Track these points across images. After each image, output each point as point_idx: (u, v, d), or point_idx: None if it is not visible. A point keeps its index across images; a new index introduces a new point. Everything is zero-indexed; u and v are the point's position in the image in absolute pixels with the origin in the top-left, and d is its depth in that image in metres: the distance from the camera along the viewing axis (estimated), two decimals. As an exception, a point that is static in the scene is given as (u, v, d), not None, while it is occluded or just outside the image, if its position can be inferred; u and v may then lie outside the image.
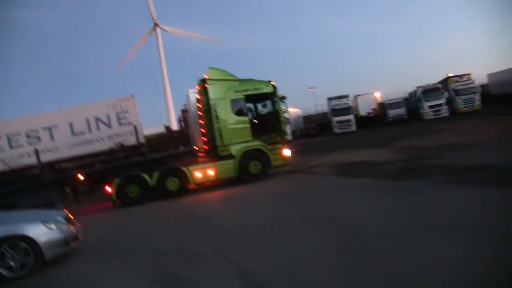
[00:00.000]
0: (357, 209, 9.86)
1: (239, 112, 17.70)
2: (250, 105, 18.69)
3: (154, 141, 18.19)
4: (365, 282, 5.58)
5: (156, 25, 56.31)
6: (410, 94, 49.98)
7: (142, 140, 18.19)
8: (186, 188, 17.19)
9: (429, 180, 11.32)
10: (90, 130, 18.52)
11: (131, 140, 18.18)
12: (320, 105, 70.71)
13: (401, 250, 6.49)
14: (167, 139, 18.38)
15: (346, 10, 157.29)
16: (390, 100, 48.76)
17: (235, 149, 17.51)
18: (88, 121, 18.47)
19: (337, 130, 45.84)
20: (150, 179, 16.83)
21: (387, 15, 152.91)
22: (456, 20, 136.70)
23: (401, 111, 46.44)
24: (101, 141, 18.31)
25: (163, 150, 17.74)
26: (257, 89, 17.85)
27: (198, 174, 17.23)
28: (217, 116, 17.36)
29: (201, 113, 18.02)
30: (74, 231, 9.19)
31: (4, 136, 18.11)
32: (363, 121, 48.64)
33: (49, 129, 18.33)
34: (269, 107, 18.42)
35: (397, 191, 11.11)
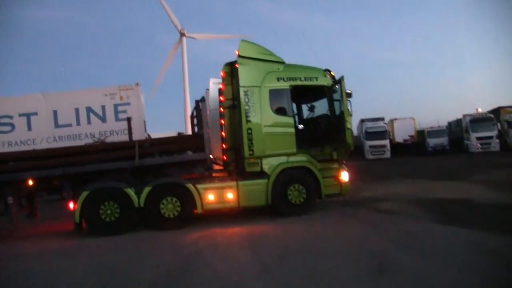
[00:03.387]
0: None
1: (280, 110, 11.05)
2: (298, 102, 12.17)
3: (159, 145, 11.19)
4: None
5: (182, 34, 50.61)
6: (451, 123, 42.65)
7: (142, 138, 11.76)
8: (189, 215, 10.57)
9: None
10: (78, 122, 12.95)
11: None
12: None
13: None
14: (173, 141, 11.44)
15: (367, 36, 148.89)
16: (431, 127, 41.39)
17: (270, 164, 10.92)
18: (77, 111, 12.96)
19: (369, 156, 38.45)
20: (136, 197, 10.22)
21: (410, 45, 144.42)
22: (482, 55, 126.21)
23: (443, 140, 39.25)
24: (91, 137, 12.38)
25: (167, 155, 10.74)
26: (310, 79, 11.22)
27: (210, 197, 10.59)
28: (247, 114, 10.67)
29: (223, 110, 11.44)
30: None
31: None
32: (398, 148, 41.37)
33: (27, 116, 12.95)
34: (323, 107, 11.66)
35: None
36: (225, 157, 11.59)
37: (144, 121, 13.47)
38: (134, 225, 10.32)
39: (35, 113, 12.84)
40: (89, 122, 12.90)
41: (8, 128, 12.77)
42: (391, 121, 43.88)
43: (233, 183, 10.66)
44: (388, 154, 38.58)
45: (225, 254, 7.49)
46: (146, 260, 7.28)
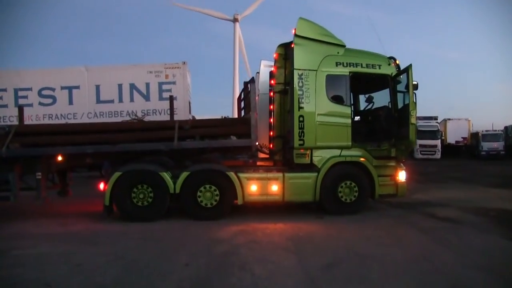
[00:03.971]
0: None
1: (337, 98, 9.78)
2: (356, 91, 10.88)
3: (200, 127, 10.10)
4: None
5: (235, 19, 49.55)
6: (507, 127, 39.68)
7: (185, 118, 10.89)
8: (228, 206, 9.49)
9: None
10: (120, 99, 12.37)
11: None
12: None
13: None
14: (216, 124, 10.27)
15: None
16: (487, 131, 38.61)
17: (321, 156, 9.70)
18: (120, 88, 12.36)
19: (418, 155, 36.10)
20: (172, 182, 9.24)
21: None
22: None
23: (498, 145, 36.45)
24: (133, 116, 11.40)
25: (209, 139, 9.66)
26: (372, 66, 9.87)
27: (253, 188, 9.48)
28: (300, 99, 9.48)
29: (273, 94, 10.33)
30: None
31: (11, 89, 12.41)
32: (449, 149, 38.87)
33: (69, 89, 12.38)
34: (383, 98, 10.29)
35: None
36: (271, 146, 10.51)
37: (189, 102, 12.72)
38: (167, 212, 9.38)
39: (77, 87, 12.28)
40: (131, 99, 12.27)
41: (49, 100, 12.30)
42: (445, 121, 41.26)
43: (279, 175, 9.52)
44: (438, 155, 36.27)
45: (265, 256, 6.38)
46: (175, 257, 6.30)
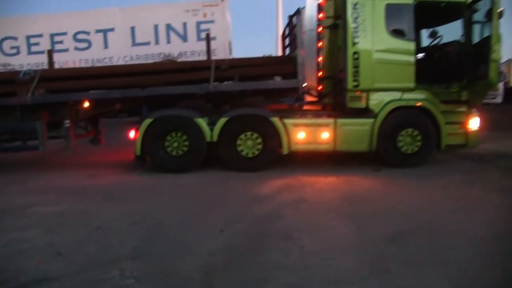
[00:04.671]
0: None
1: (398, 32, 8.14)
2: (420, 23, 8.91)
3: (240, 67, 8.74)
4: None
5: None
6: None
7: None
8: (272, 156, 8.32)
9: None
10: (157, 41, 11.49)
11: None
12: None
13: None
14: (258, 64, 8.87)
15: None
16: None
17: (378, 100, 8.27)
18: (156, 29, 11.47)
19: (475, 99, 33.04)
20: (209, 129, 8.13)
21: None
22: None
23: None
24: (165, 57, 10.68)
25: (250, 80, 8.41)
26: (443, -7, 8.03)
27: (300, 135, 8.24)
28: (355, 34, 7.96)
29: (321, 30, 8.82)
30: None
31: (47, 34, 11.73)
32: (510, 94, 35.42)
33: (104, 32, 11.62)
34: (451, 33, 8.54)
35: None
36: (320, 88, 9.14)
37: (230, 43, 11.64)
38: (204, 162, 8.37)
39: (112, 29, 11.50)
40: (168, 41, 11.41)
41: (84, 44, 11.64)
42: (509, 61, 37.35)
43: (331, 121, 8.20)
44: (499, 99, 33.13)
45: (316, 221, 5.19)
46: (208, 220, 5.27)
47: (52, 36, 11.62)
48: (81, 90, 8.37)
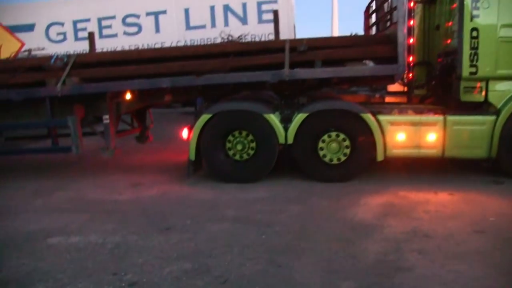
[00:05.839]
0: None
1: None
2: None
3: (323, 48, 6.76)
4: None
5: None
6: None
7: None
8: (363, 162, 6.42)
9: None
10: (213, 23, 10.33)
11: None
12: None
13: None
14: (347, 44, 6.90)
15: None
16: None
17: (502, 91, 6.18)
18: (212, 10, 10.35)
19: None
20: (282, 128, 6.34)
21: None
22: None
23: None
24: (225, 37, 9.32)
25: (335, 65, 6.35)
26: None
27: (399, 137, 6.29)
28: (474, 5, 5.95)
29: (413, 5, 6.80)
30: None
31: (95, 19, 10.73)
32: None
33: (156, 15, 10.56)
34: None
35: None
36: (410, 76, 7.29)
37: (294, 26, 10.29)
38: (275, 169, 6.59)
39: (164, 12, 10.46)
40: (226, 23, 10.18)
41: (134, 29, 10.55)
42: None
43: (439, 119, 6.23)
44: None
45: (458, 278, 3.37)
46: (299, 269, 3.51)
47: (99, 20, 10.63)
48: (122, 79, 6.74)
